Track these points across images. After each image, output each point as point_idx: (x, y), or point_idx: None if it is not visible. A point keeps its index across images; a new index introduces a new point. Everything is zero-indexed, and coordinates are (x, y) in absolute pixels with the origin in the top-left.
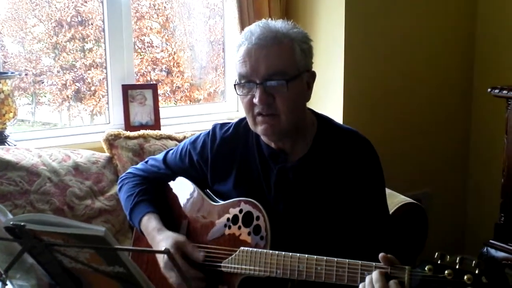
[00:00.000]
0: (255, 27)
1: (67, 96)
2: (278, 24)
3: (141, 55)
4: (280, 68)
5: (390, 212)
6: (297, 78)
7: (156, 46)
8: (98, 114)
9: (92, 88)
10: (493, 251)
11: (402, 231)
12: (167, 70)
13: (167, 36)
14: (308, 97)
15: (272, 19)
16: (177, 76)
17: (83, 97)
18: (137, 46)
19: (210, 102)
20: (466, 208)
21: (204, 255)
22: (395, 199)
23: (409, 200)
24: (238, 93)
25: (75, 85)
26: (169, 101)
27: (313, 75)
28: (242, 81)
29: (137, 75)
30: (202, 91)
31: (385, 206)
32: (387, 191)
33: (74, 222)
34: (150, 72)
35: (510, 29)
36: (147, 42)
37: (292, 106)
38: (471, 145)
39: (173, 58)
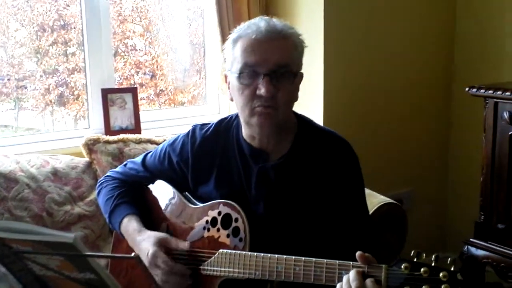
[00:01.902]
0: (260, 20)
1: (50, 101)
2: (279, 22)
3: (124, 58)
4: (288, 62)
5: (370, 213)
6: (297, 75)
7: (139, 49)
8: (82, 118)
9: (76, 92)
10: (473, 250)
11: (381, 231)
12: (151, 73)
13: (150, 39)
14: (297, 97)
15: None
16: (161, 79)
17: (66, 101)
18: (120, 49)
19: (194, 104)
20: (448, 207)
21: (189, 243)
22: (374, 199)
23: (388, 200)
24: (241, 82)
25: (58, 89)
26: (153, 104)
27: (302, 77)
28: (246, 71)
29: (120, 78)
30: (186, 94)
31: (365, 206)
32: (367, 191)
33: (43, 230)
34: (133, 75)
35: (489, 28)
36: (131, 45)
37: (290, 101)
38: (451, 144)
39: (157, 61)
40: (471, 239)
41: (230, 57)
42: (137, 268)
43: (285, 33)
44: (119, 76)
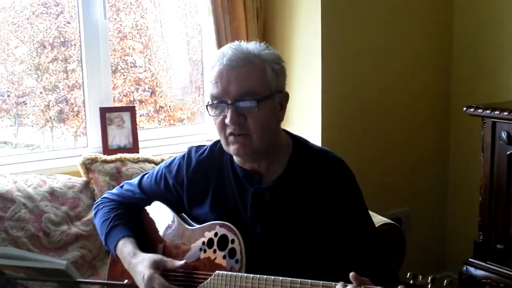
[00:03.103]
0: (227, 49)
1: (50, 117)
2: (250, 45)
3: (124, 75)
4: (251, 89)
5: None
6: (268, 98)
7: (139, 66)
8: (82, 134)
9: (75, 109)
10: (472, 270)
11: (387, 251)
12: (150, 90)
13: (150, 56)
14: (281, 118)
15: (248, 41)
16: (160, 96)
17: (66, 118)
18: (120, 66)
19: (192, 122)
20: (447, 227)
21: (185, 262)
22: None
23: (386, 220)
24: (211, 114)
25: (58, 106)
26: (153, 120)
27: (286, 96)
28: (214, 102)
29: (120, 95)
30: (185, 110)
31: (368, 221)
32: None
33: (36, 256)
34: (133, 92)
35: (487, 46)
36: (130, 62)
37: (264, 126)
38: (450, 164)
39: (156, 78)
40: (470, 259)
41: None
42: None
43: (251, 59)
44: (118, 93)
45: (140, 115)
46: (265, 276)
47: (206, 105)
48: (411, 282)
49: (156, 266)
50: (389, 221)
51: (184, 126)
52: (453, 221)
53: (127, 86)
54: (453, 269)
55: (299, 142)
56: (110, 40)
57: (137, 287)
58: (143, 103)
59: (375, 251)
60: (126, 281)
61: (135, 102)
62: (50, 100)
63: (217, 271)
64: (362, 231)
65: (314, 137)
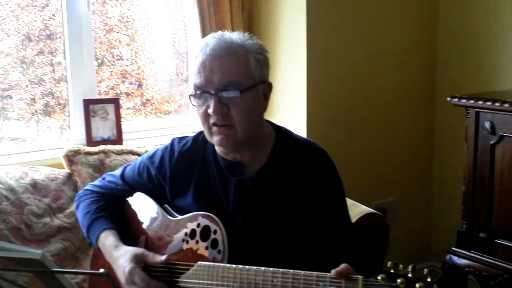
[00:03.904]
0: (211, 39)
1: (36, 111)
2: (234, 35)
3: (110, 68)
4: (234, 79)
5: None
6: (252, 88)
7: (125, 59)
8: (68, 128)
9: (61, 102)
10: (455, 259)
11: (363, 242)
12: (137, 82)
13: (137, 48)
14: (264, 108)
15: (229, 31)
16: (147, 89)
17: (52, 111)
18: (107, 59)
19: (180, 114)
20: (431, 217)
21: (167, 256)
22: (356, 210)
23: (370, 210)
24: (194, 104)
25: (44, 99)
26: (139, 113)
27: (269, 86)
28: (197, 92)
29: (107, 88)
30: (172, 103)
31: (346, 214)
32: (350, 201)
33: (11, 246)
34: (119, 85)
35: (472, 37)
36: (117, 55)
37: (247, 116)
38: (435, 154)
39: (143, 70)
40: (453, 248)
41: None
42: (116, 279)
43: (234, 49)
44: (106, 86)
45: (127, 108)
46: (247, 267)
47: (189, 95)
48: (392, 271)
49: (138, 260)
50: (373, 211)
51: (168, 117)
52: (437, 211)
53: (114, 79)
54: (437, 259)
55: (282, 133)
56: (96, 32)
57: (112, 276)
58: (130, 96)
59: (351, 241)
60: (101, 270)
61: (121, 95)
62: (36, 94)
63: (199, 262)
64: (339, 221)
65: (300, 129)
